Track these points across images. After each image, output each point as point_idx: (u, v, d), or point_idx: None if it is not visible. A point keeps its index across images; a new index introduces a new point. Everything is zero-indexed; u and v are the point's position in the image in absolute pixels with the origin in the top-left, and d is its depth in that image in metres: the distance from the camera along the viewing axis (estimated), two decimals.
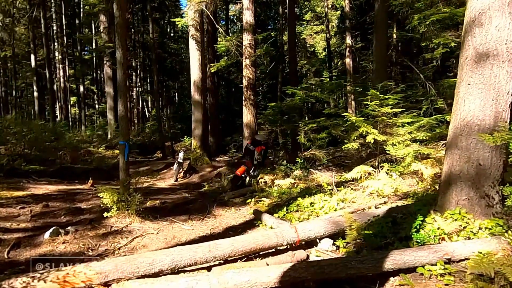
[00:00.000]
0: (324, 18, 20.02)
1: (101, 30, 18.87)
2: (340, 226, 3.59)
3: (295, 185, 6.32)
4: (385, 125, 6.25)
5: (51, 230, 3.83)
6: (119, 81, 4.57)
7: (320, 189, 5.66)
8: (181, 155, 9.55)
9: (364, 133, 5.96)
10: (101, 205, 4.63)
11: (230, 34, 14.27)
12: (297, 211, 4.85)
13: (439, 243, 3.10)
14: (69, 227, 4.12)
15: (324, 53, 22.93)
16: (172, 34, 31.22)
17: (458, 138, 3.47)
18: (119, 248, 3.59)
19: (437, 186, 5.12)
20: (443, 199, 3.61)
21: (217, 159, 13.00)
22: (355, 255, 3.23)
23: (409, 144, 5.77)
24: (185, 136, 15.07)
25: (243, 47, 10.49)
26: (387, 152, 5.54)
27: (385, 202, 4.77)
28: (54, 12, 23.22)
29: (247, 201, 5.73)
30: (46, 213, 4.90)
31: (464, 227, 3.20)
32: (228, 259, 3.08)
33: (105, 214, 4.47)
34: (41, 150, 10.92)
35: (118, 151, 14.32)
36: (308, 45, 24.04)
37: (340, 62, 23.53)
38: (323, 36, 21.65)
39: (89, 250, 3.58)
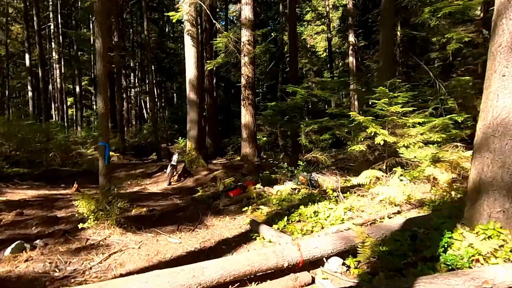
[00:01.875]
0: (325, 19, 19.55)
1: None
2: (351, 242, 3.05)
3: (297, 191, 5.78)
4: (394, 126, 5.74)
5: (13, 245, 3.30)
6: (98, 74, 4.06)
7: (324, 196, 5.12)
8: (175, 157, 8.96)
9: (372, 134, 5.45)
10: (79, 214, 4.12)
11: None
12: (299, 221, 4.31)
13: (473, 266, 2.57)
14: (37, 241, 3.59)
15: (324, 54, 22.47)
16: (171, 35, 30.74)
17: (489, 139, 2.95)
18: (90, 268, 3.06)
19: (454, 193, 4.60)
20: (471, 210, 3.08)
21: (214, 161, 12.43)
22: (369, 278, 2.71)
23: (422, 147, 5.25)
24: (180, 137, 14.47)
25: (242, 44, 9.98)
26: (400, 154, 5.01)
27: (398, 212, 4.24)
28: (51, 11, 22.76)
29: (244, 209, 5.18)
30: (17, 222, 4.36)
31: (501, 246, 2.67)
32: (218, 285, 2.55)
33: (80, 226, 3.93)
34: (30, 152, 10.38)
35: (112, 153, 13.81)
36: (308, 46, 23.56)
37: (341, 63, 23.03)
38: (324, 37, 21.18)
39: (56, 270, 3.04)
